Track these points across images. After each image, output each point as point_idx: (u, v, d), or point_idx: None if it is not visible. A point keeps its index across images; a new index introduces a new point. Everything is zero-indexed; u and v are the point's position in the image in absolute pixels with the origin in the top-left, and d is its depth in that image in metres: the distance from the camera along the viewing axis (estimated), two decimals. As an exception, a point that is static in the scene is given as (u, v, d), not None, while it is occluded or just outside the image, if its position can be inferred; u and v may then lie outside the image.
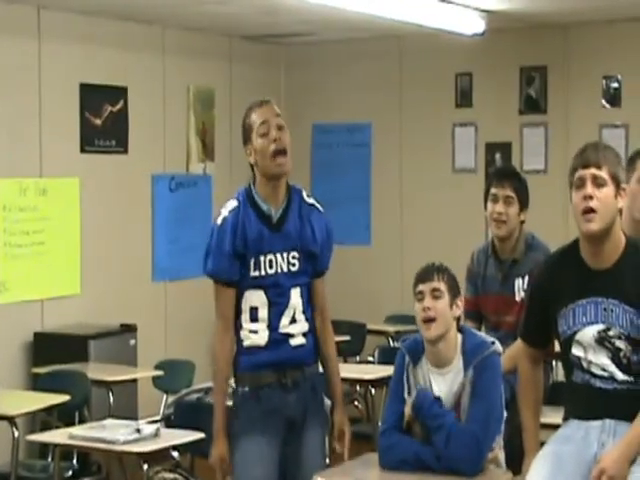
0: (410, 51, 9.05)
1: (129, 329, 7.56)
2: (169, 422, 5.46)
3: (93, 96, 7.91)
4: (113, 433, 4.91)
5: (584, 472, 3.38)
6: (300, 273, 3.92)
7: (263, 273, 3.88)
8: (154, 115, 8.41)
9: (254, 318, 3.90)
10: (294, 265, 3.90)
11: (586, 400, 3.51)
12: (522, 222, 4.92)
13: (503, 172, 5.16)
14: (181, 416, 5.43)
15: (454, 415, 3.85)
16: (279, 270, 3.88)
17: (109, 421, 5.24)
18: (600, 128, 8.25)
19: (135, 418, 6.59)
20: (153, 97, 8.41)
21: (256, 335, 3.90)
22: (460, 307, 3.96)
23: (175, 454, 5.03)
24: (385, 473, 3.87)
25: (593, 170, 3.38)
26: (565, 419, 3.62)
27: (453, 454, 3.76)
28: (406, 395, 3.95)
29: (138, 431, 4.90)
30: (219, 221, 3.91)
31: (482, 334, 4.27)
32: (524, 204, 4.90)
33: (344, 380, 6.54)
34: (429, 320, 3.88)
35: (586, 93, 8.36)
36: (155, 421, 5.65)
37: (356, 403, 7.54)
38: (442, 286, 3.92)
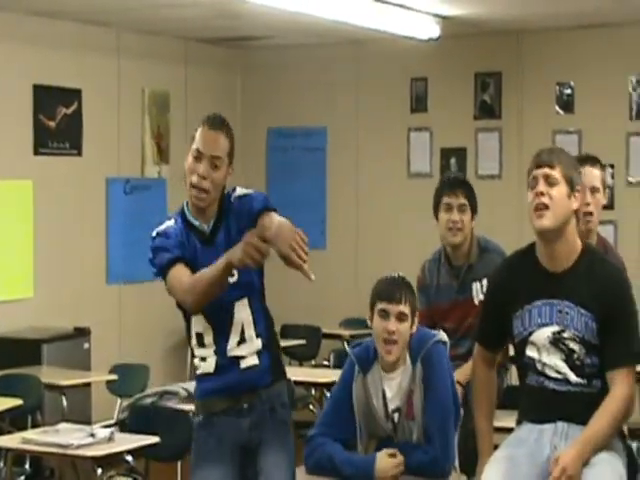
0: (366, 56, 9.08)
1: (83, 333, 7.52)
2: (123, 426, 5.42)
3: (46, 98, 7.85)
4: (67, 437, 4.87)
5: (537, 473, 3.40)
6: (242, 285, 3.65)
7: None
8: (109, 118, 8.37)
9: (201, 343, 3.69)
10: (233, 276, 3.59)
11: (540, 402, 3.55)
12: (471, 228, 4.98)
13: (455, 181, 5.19)
14: (136, 420, 5.40)
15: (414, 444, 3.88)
16: None
17: (63, 425, 5.20)
18: (553, 134, 8.33)
19: (89, 422, 6.56)
20: (108, 100, 8.37)
21: (205, 363, 3.69)
22: (416, 323, 3.97)
23: (129, 458, 5.00)
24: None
25: (546, 169, 3.47)
26: (519, 422, 3.65)
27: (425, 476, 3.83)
28: (355, 407, 3.94)
29: (92, 435, 4.86)
30: (161, 228, 3.69)
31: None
32: (475, 211, 4.98)
33: (299, 384, 6.61)
34: (392, 342, 3.87)
35: (540, 99, 8.43)
36: (109, 425, 5.61)
37: (311, 407, 7.53)
38: (407, 309, 3.89)
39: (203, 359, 3.69)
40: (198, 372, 3.73)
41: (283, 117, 9.49)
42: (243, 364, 3.65)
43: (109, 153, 8.36)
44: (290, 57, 9.40)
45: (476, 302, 4.84)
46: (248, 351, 3.66)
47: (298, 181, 9.40)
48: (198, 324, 3.67)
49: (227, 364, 3.66)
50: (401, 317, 3.88)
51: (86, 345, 7.51)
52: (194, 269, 3.57)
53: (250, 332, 3.66)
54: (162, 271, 3.61)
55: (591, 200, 4.59)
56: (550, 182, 3.46)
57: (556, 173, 3.47)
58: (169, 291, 3.62)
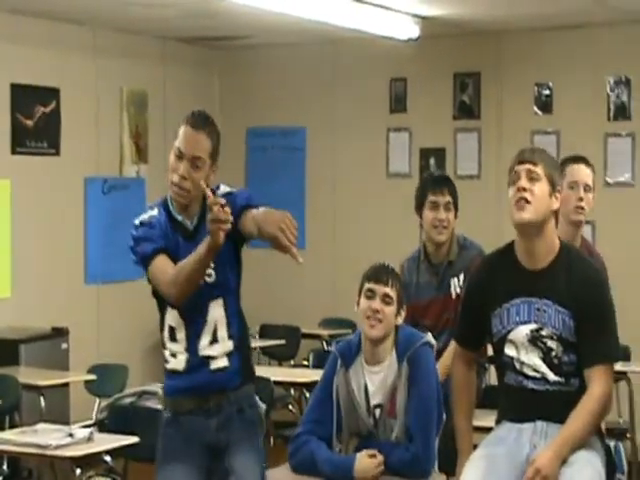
0: (345, 56, 9.08)
1: (61, 333, 7.49)
2: (102, 426, 5.40)
3: (24, 97, 7.81)
4: (45, 438, 4.84)
5: (517, 473, 3.42)
6: (218, 285, 3.64)
7: None
8: (87, 117, 8.33)
9: (173, 338, 3.68)
10: (210, 276, 3.60)
11: (519, 401, 3.56)
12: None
13: (440, 179, 5.20)
14: (114, 420, 5.38)
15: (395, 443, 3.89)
16: None
17: (41, 426, 5.17)
18: (532, 134, 8.35)
19: (67, 423, 6.53)
20: (86, 99, 8.34)
21: (175, 359, 3.68)
22: (402, 317, 4.00)
23: (108, 459, 4.98)
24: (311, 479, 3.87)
25: (528, 165, 3.49)
26: (498, 422, 3.66)
27: (405, 475, 3.85)
28: (337, 402, 3.95)
29: (71, 435, 4.84)
30: (142, 218, 3.67)
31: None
32: (457, 209, 5.01)
33: (278, 384, 6.60)
34: (376, 320, 3.91)
35: (518, 99, 8.45)
36: (88, 425, 5.59)
37: (290, 407, 7.53)
38: (393, 293, 3.95)
39: (173, 355, 3.68)
40: (167, 367, 3.72)
41: (262, 117, 9.48)
42: (213, 365, 3.65)
43: (87, 152, 8.33)
44: (269, 57, 9.39)
45: (453, 296, 4.86)
46: (219, 352, 3.65)
47: (277, 181, 9.38)
48: (172, 318, 3.66)
49: (197, 364, 3.65)
50: (386, 299, 3.93)
51: (64, 345, 7.48)
52: (175, 263, 3.55)
53: (222, 333, 3.66)
54: (145, 261, 3.60)
55: (583, 196, 4.62)
56: (532, 178, 3.48)
57: (539, 169, 3.49)
58: (150, 281, 3.61)
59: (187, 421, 3.68)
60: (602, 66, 8.15)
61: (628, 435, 6.75)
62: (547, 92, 8.39)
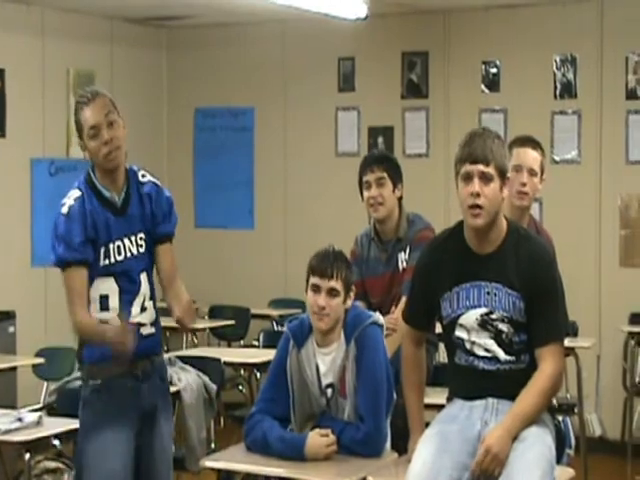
0: (293, 35, 9.05)
1: (8, 316, 7.43)
2: (51, 410, 5.35)
3: (-32, 78, 7.71)
4: (-7, 422, 4.80)
5: (469, 450, 3.44)
6: (147, 256, 3.88)
7: (113, 260, 3.80)
8: (33, 98, 8.24)
9: (104, 307, 3.79)
10: (142, 246, 3.85)
11: (470, 381, 3.58)
12: (400, 199, 4.94)
13: (370, 158, 5.13)
14: (63, 404, 5.34)
15: (345, 422, 3.91)
16: (128, 254, 3.82)
17: (-12, 410, 5.12)
18: (480, 112, 8.37)
19: (15, 407, 6.47)
20: (32, 79, 8.24)
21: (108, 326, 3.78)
22: (352, 298, 4.00)
23: (57, 443, 4.94)
24: (266, 458, 3.86)
25: (481, 167, 3.44)
26: (449, 399, 3.68)
27: (358, 454, 3.86)
28: (289, 381, 3.96)
29: (20, 420, 4.79)
30: (65, 210, 3.82)
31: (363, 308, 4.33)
32: (397, 180, 4.92)
33: (228, 364, 6.59)
34: (323, 315, 3.92)
35: (466, 78, 8.47)
36: (36, 409, 5.54)
37: (240, 387, 7.53)
38: (339, 285, 3.93)
39: (105, 322, 3.78)
40: None
41: (210, 97, 9.43)
42: (144, 331, 3.84)
43: (34, 134, 8.23)
44: (217, 36, 9.34)
45: (401, 271, 4.84)
46: (148, 319, 3.86)
47: (226, 161, 9.35)
48: (106, 287, 3.79)
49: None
50: (332, 293, 3.93)
51: (11, 329, 7.41)
52: (107, 241, 3.76)
53: (149, 303, 3.87)
54: (60, 265, 3.82)
55: (527, 181, 4.61)
56: (485, 179, 3.44)
57: (491, 170, 3.44)
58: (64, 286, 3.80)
59: (120, 387, 3.81)
60: (549, 44, 8.19)
61: (575, 410, 6.82)
62: (494, 70, 8.42)
